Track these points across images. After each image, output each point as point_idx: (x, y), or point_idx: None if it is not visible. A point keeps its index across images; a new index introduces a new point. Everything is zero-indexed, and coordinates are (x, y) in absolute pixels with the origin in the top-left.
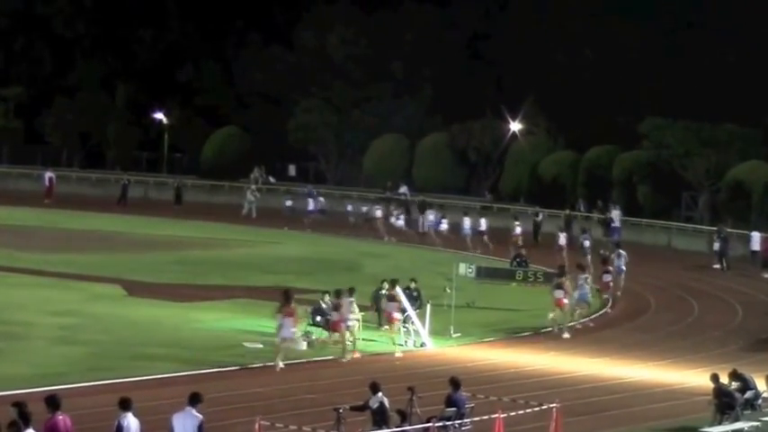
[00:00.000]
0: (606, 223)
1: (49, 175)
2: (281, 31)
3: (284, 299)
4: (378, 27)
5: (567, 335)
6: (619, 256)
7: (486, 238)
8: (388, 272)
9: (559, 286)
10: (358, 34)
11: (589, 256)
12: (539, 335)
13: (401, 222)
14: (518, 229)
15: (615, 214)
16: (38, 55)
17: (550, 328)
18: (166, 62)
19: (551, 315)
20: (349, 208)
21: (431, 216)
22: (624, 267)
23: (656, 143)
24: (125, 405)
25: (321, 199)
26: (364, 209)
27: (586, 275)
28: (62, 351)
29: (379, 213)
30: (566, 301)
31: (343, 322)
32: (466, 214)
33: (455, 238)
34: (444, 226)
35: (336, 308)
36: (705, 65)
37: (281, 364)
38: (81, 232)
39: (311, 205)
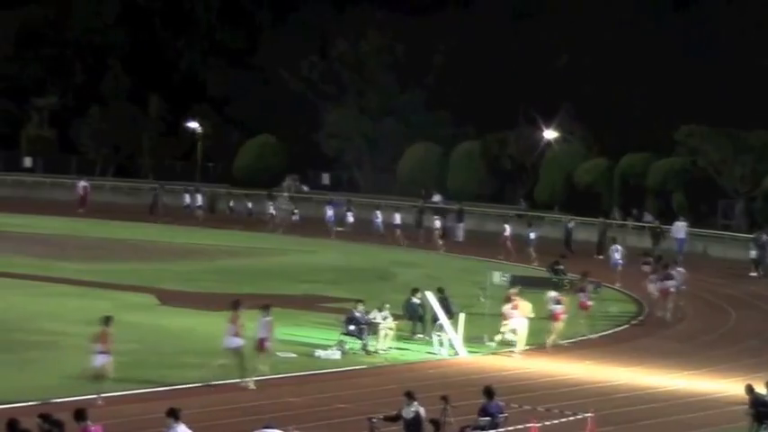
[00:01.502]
0: (656, 233)
1: (83, 184)
2: (315, 39)
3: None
4: (412, 35)
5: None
6: (616, 250)
7: (399, 231)
8: (419, 280)
9: (669, 277)
10: (392, 42)
11: (532, 248)
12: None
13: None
14: (437, 223)
15: (679, 226)
16: (71, 65)
17: (668, 315)
18: (199, 71)
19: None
20: (231, 204)
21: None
22: (621, 261)
23: (691, 150)
24: (176, 414)
25: (329, 212)
26: (249, 205)
27: (680, 268)
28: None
29: (271, 210)
30: (673, 289)
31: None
32: (378, 208)
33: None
34: (351, 219)
35: (559, 302)
36: (740, 71)
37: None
38: (114, 241)
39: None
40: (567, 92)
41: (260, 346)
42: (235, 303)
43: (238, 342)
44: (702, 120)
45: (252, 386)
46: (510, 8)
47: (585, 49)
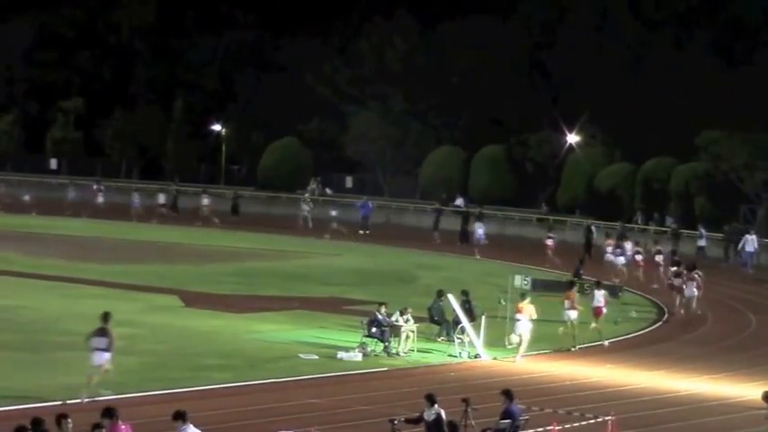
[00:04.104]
0: (676, 235)
1: (94, 186)
2: (340, 43)
3: (687, 269)
4: (436, 39)
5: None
6: (480, 227)
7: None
8: (442, 283)
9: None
10: (416, 46)
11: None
12: None
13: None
14: (205, 201)
15: (749, 239)
16: (97, 67)
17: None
18: (224, 74)
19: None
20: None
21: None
22: (483, 237)
23: (713, 155)
24: (183, 417)
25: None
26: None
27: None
28: (119, 361)
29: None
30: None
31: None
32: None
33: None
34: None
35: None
36: (763, 76)
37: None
38: (138, 243)
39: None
40: (590, 96)
41: (596, 313)
42: (570, 284)
43: (575, 314)
44: (725, 125)
45: (606, 344)
46: (534, 13)
47: (609, 53)
